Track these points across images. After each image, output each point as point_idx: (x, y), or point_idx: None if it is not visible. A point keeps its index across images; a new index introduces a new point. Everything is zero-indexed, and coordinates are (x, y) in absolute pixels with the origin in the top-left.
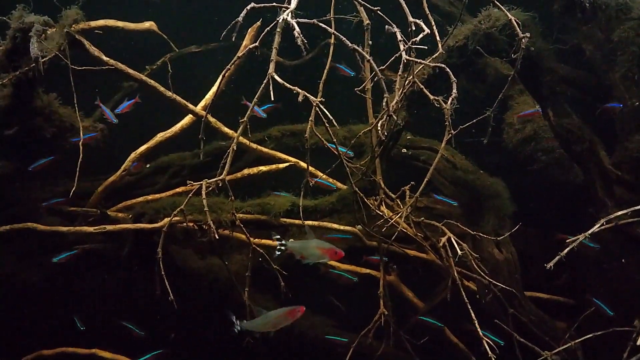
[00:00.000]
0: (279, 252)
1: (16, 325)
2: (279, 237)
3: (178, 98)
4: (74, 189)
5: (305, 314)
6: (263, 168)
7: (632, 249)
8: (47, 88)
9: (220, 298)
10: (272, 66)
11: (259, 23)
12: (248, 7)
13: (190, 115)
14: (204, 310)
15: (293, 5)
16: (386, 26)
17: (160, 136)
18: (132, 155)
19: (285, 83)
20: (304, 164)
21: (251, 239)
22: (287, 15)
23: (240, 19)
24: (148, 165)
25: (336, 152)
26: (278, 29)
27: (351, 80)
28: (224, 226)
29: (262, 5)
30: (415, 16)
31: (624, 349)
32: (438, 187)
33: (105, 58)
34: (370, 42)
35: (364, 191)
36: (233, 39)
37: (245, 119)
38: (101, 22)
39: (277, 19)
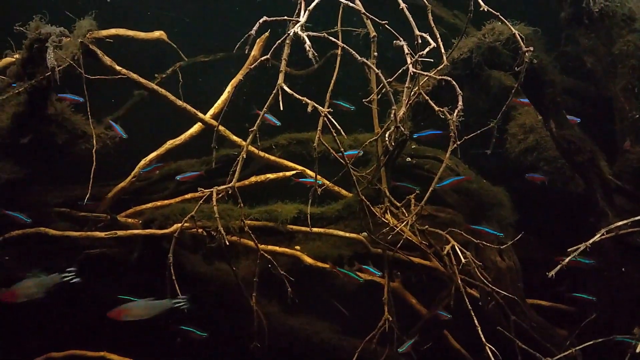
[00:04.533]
0: None
1: (27, 327)
2: None
3: (188, 107)
4: (88, 195)
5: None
6: (270, 176)
7: (632, 258)
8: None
9: (228, 302)
10: (281, 77)
11: (267, 34)
12: (260, 21)
13: (199, 124)
14: (211, 314)
15: (303, 19)
16: (394, 41)
17: (169, 144)
18: (142, 162)
19: (294, 93)
20: (310, 172)
21: (259, 245)
22: (298, 28)
23: (253, 32)
24: (157, 172)
25: (343, 161)
26: (288, 41)
27: (358, 90)
28: (232, 233)
29: (274, 19)
30: (420, 28)
31: (624, 356)
32: (442, 196)
33: (117, 67)
34: (376, 53)
35: (370, 199)
36: (246, 51)
37: (255, 127)
38: (112, 31)
39: (288, 31)
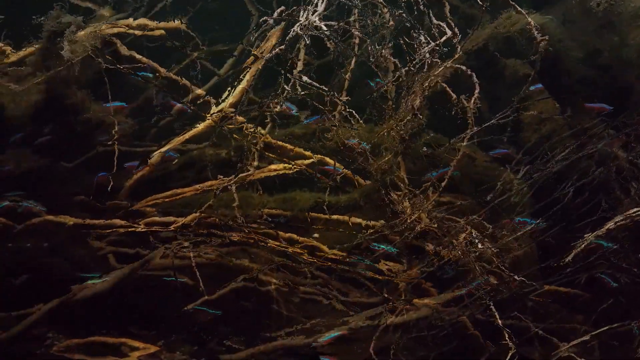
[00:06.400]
0: None
1: (48, 315)
2: None
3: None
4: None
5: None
6: (288, 165)
7: None
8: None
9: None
10: (298, 66)
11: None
12: (278, 10)
13: (216, 114)
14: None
15: (302, 20)
16: (412, 31)
17: (184, 135)
18: (157, 152)
19: (313, 83)
20: (329, 160)
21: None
22: (315, 18)
23: (270, 21)
24: (175, 161)
25: (360, 150)
26: (306, 29)
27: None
28: (251, 221)
29: (281, 18)
30: (437, 16)
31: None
32: (459, 183)
33: (137, 56)
34: (391, 44)
35: (388, 188)
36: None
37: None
38: (115, 30)
39: (303, 21)
